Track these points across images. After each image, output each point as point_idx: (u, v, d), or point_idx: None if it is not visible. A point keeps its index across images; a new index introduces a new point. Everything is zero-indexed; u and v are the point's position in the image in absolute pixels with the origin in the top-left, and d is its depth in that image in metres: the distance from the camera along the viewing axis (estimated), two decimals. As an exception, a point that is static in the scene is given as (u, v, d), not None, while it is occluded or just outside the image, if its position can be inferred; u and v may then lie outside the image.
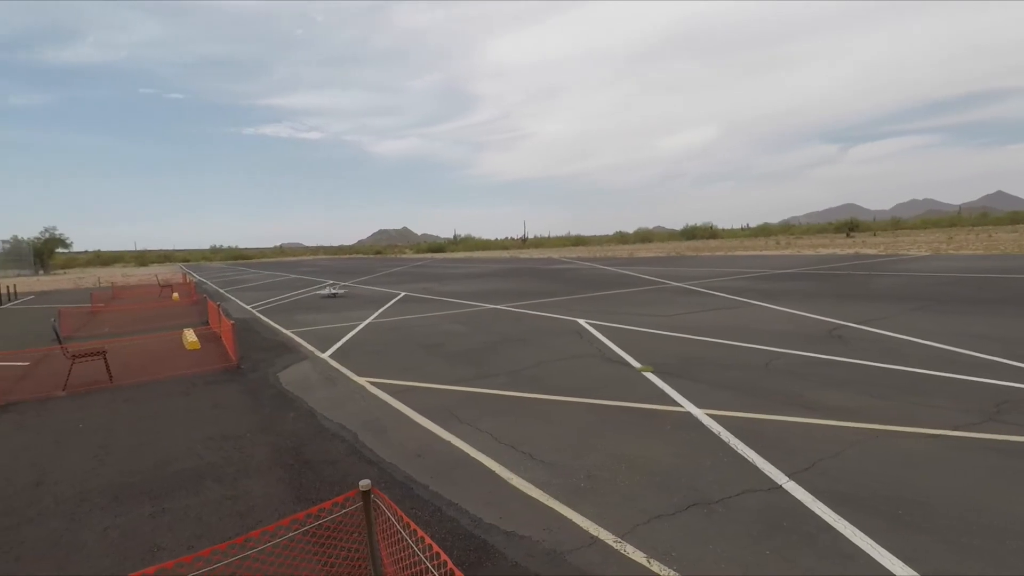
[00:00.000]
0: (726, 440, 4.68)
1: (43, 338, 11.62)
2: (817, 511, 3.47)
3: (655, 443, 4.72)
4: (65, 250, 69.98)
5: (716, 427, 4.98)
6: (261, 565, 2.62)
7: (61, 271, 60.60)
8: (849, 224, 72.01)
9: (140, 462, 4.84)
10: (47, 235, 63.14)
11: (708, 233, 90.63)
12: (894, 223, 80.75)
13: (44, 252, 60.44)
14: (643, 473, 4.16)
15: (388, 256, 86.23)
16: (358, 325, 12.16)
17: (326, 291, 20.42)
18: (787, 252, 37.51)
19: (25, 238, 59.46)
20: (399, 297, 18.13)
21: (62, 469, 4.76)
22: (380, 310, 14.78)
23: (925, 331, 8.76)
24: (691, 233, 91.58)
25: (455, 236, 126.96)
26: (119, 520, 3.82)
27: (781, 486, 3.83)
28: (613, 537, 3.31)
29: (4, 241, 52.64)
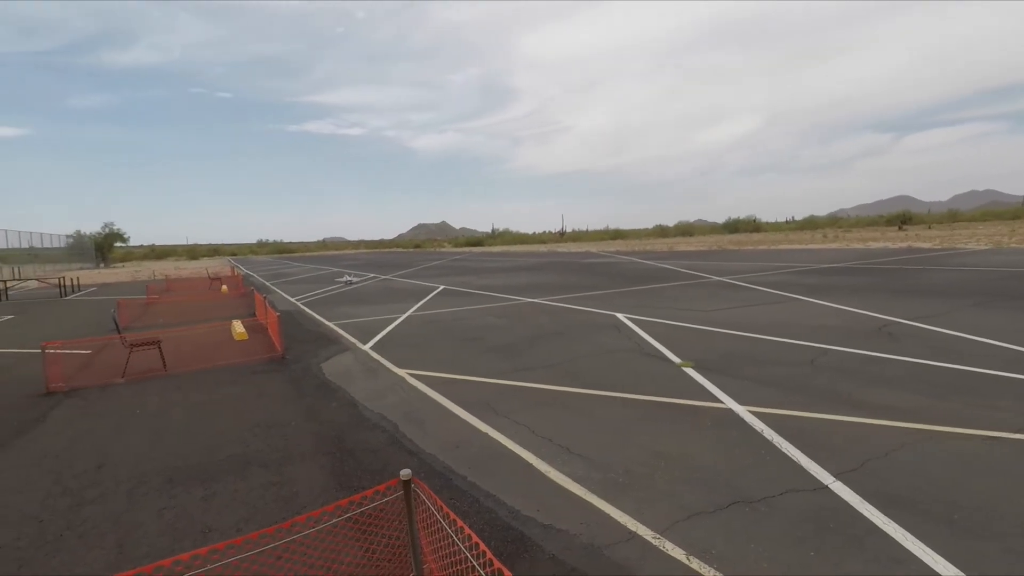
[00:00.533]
0: (769, 438, 4.57)
1: (103, 328, 12.25)
2: (866, 513, 3.36)
3: (695, 440, 4.65)
4: (123, 244, 73.34)
5: (759, 424, 4.87)
6: (306, 549, 2.71)
7: (119, 264, 63.64)
8: (901, 216, 68.79)
9: (192, 447, 5.06)
10: (107, 230, 66.28)
11: (751, 226, 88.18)
12: (951, 215, 76.81)
13: (104, 246, 63.50)
14: (682, 469, 4.11)
15: (427, 250, 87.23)
16: (398, 318, 12.36)
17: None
18: (834, 246, 36.20)
19: (87, 233, 62.57)
20: (438, 290, 18.33)
21: (121, 452, 5.01)
22: (419, 303, 14.98)
23: (984, 328, 8.32)
24: (733, 226, 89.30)
25: (493, 230, 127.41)
26: (173, 502, 4.00)
27: (827, 486, 3.72)
28: (652, 533, 3.28)
29: (68, 236, 55.50)
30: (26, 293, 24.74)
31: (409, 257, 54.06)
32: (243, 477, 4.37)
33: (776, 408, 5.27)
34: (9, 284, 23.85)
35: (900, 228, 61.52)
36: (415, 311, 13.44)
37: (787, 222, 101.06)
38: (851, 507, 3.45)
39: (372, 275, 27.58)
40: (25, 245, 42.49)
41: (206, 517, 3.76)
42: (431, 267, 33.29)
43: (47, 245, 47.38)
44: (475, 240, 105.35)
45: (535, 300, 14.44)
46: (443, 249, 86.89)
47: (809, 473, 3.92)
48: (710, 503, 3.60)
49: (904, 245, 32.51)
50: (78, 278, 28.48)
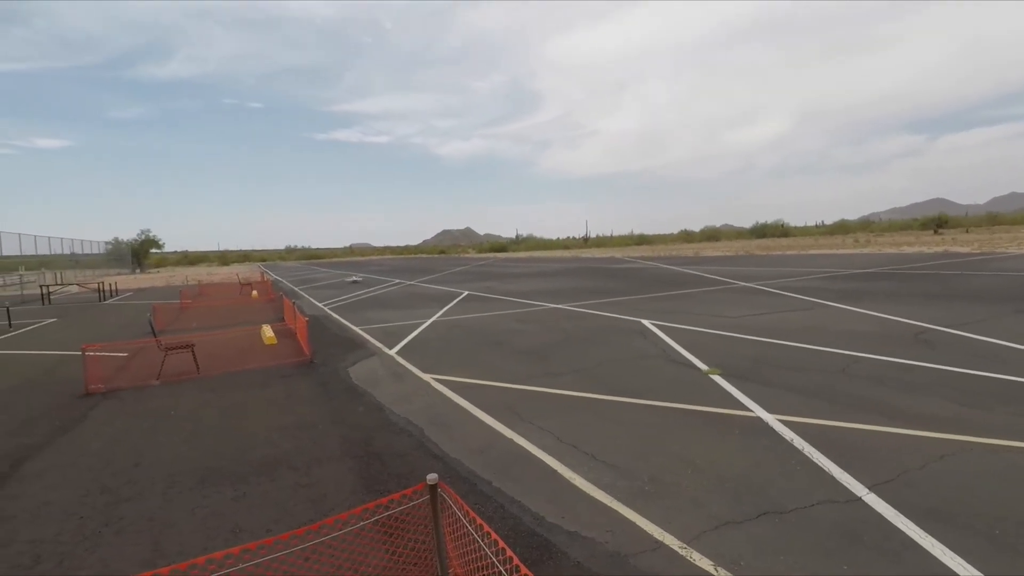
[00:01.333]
0: (799, 447, 4.47)
1: (140, 331, 12.61)
2: (901, 526, 3.27)
3: (723, 448, 4.58)
4: (158, 250, 75.56)
5: (788, 433, 4.77)
6: (333, 551, 2.74)
7: (155, 270, 65.53)
8: (937, 220, 66.75)
9: (223, 448, 5.18)
10: (143, 237, 68.35)
11: (779, 231, 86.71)
12: (990, 218, 74.32)
13: (140, 252, 65.47)
14: (710, 478, 4.05)
15: (451, 255, 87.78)
16: (423, 323, 12.46)
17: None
18: (866, 250, 35.31)
19: (124, 240, 64.59)
20: (463, 296, 18.42)
21: (156, 452, 5.15)
22: (444, 308, 15.07)
23: (1027, 336, 8.02)
24: (761, 231, 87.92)
25: (517, 236, 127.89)
26: (206, 501, 4.10)
27: (861, 498, 3.63)
28: (679, 543, 3.24)
29: (107, 243, 57.43)
30: (68, 297, 25.62)
31: (434, 263, 54.45)
32: (273, 478, 4.45)
33: (807, 417, 5.16)
34: (52, 289, 24.75)
35: (936, 232, 59.74)
36: (440, 316, 13.52)
37: (817, 226, 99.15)
38: (886, 520, 3.35)
39: (397, 280, 27.85)
40: (67, 251, 44.06)
41: (237, 517, 3.84)
42: (456, 272, 33.48)
43: (87, 251, 49.05)
44: (499, 246, 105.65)
45: (559, 306, 14.41)
46: (467, 255, 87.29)
47: (842, 484, 3.83)
48: (739, 513, 3.54)
49: (940, 249, 31.57)
50: (116, 283, 29.43)
